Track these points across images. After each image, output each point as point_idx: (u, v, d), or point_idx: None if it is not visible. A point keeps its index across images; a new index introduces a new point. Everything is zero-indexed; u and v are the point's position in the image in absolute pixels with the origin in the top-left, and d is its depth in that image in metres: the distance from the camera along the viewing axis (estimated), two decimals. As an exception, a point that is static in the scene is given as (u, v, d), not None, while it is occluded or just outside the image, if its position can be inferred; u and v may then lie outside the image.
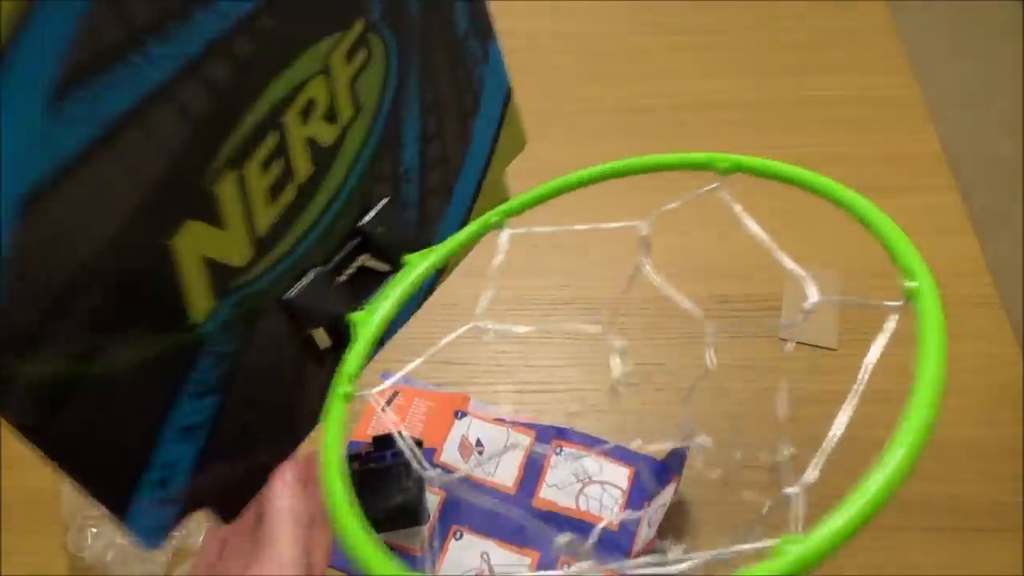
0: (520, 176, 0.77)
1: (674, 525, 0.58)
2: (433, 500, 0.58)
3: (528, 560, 0.56)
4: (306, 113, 0.32)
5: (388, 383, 0.32)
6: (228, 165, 0.30)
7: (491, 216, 0.36)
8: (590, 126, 0.79)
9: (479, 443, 0.61)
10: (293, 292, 0.34)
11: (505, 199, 0.43)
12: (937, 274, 0.76)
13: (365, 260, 0.37)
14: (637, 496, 0.59)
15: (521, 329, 0.33)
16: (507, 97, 0.42)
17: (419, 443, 0.58)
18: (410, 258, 0.36)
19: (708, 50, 0.84)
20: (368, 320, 0.33)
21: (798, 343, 0.66)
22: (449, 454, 0.61)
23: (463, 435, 0.62)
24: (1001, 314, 0.67)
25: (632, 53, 0.84)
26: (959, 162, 0.80)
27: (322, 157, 0.34)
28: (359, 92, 0.34)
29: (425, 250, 0.36)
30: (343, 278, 0.36)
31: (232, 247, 0.31)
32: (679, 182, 0.80)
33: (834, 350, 0.65)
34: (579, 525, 0.57)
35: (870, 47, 0.83)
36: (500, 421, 0.62)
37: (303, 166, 0.33)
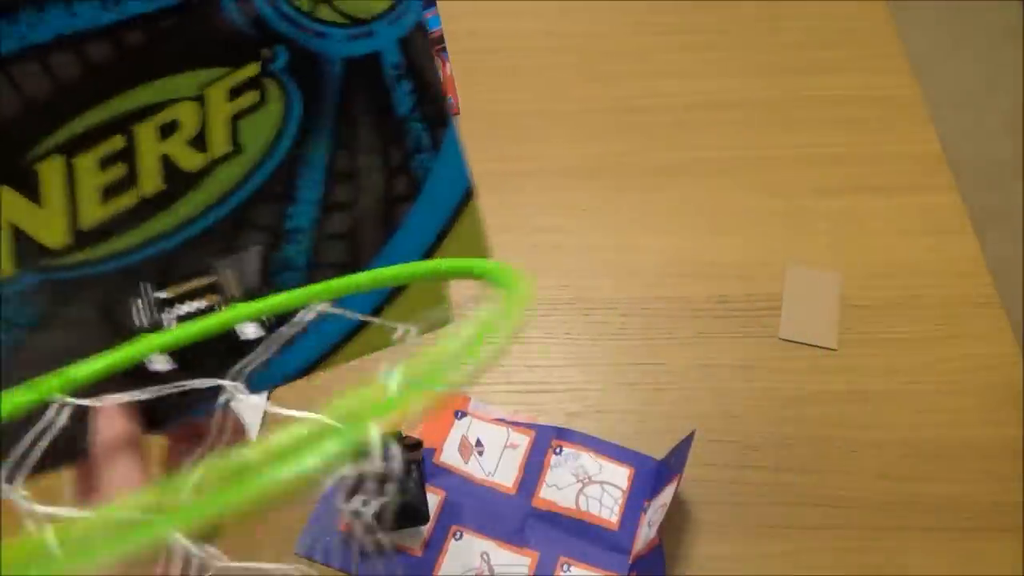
0: (521, 176, 0.78)
1: (674, 525, 0.58)
2: (433, 500, 0.58)
3: (528, 560, 0.56)
4: (166, 131, 0.33)
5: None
6: (57, 150, 0.32)
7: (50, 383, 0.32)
8: (590, 126, 0.79)
9: (479, 443, 0.61)
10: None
11: (445, 318, 0.42)
12: (937, 274, 0.76)
13: (209, 300, 0.36)
14: (637, 496, 0.59)
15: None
16: (465, 196, 0.41)
17: (419, 443, 0.58)
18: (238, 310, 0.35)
19: (708, 50, 0.84)
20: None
21: (798, 343, 0.66)
22: (449, 454, 0.61)
23: (463, 435, 0.62)
24: (1001, 314, 0.67)
25: (632, 53, 0.84)
26: (959, 162, 0.80)
27: (179, 180, 0.34)
28: (242, 132, 0.35)
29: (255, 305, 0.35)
30: (182, 308, 0.36)
31: (45, 227, 0.33)
32: (679, 182, 0.79)
33: (834, 350, 0.65)
34: (579, 525, 0.57)
35: (870, 47, 0.83)
36: (500, 421, 0.62)
37: (151, 180, 0.34)
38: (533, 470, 0.60)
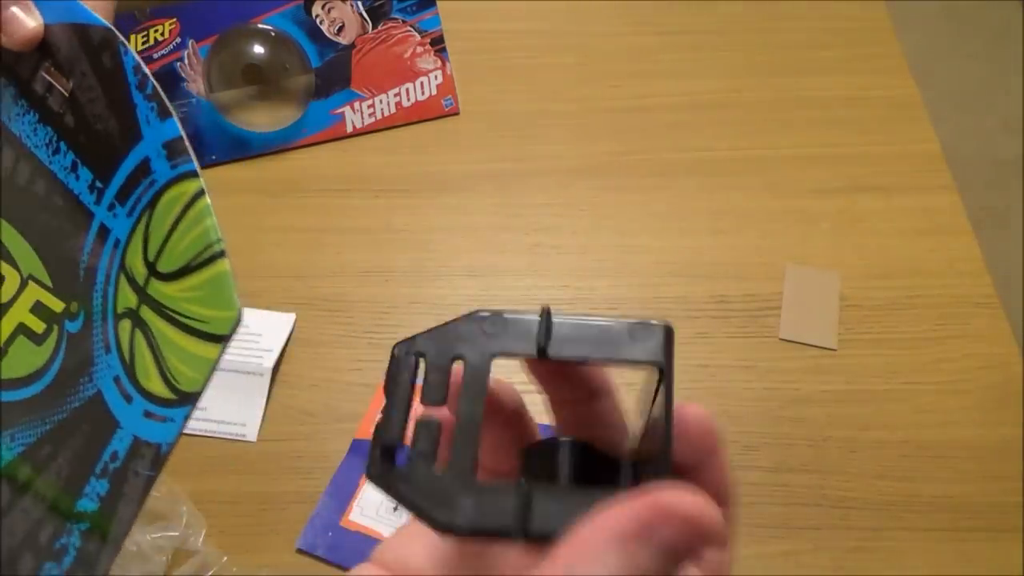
0: (521, 176, 0.78)
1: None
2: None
3: (528, 560, 0.56)
4: None
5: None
6: None
7: None
8: (590, 126, 0.79)
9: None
10: None
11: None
12: (937, 274, 0.77)
13: None
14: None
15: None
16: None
17: None
18: None
19: (707, 50, 0.84)
20: None
21: (798, 343, 0.66)
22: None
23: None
24: (1001, 314, 0.67)
25: (631, 53, 0.84)
26: (959, 162, 0.80)
27: None
28: None
29: None
30: None
31: None
32: (679, 182, 0.80)
33: (834, 350, 0.65)
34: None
35: (870, 47, 0.83)
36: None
37: None
38: (533, 470, 0.60)
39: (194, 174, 0.32)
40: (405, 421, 0.21)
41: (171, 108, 0.32)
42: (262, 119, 0.79)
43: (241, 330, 0.75)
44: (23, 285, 0.33)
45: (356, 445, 0.62)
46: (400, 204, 0.75)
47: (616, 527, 0.18)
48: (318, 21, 0.79)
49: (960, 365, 0.64)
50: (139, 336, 0.33)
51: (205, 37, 0.77)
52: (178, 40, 0.77)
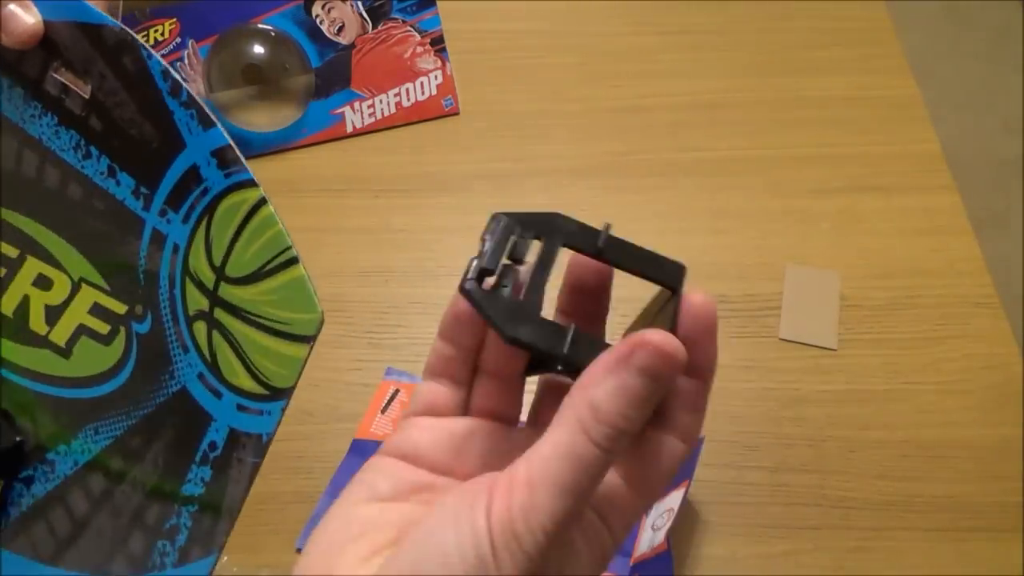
0: (521, 176, 0.78)
1: (675, 525, 0.58)
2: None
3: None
4: (38, 282, 0.34)
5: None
6: None
7: None
8: (590, 126, 0.79)
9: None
10: None
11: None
12: (937, 274, 0.76)
13: None
14: (637, 496, 0.58)
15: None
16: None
17: None
18: None
19: (708, 50, 0.84)
20: None
21: (798, 343, 0.66)
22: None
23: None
24: (1001, 314, 0.67)
25: (632, 53, 0.84)
26: (959, 162, 0.80)
27: (6, 324, 0.35)
28: (78, 346, 0.35)
29: None
30: None
31: None
32: (679, 182, 0.80)
33: (834, 350, 0.65)
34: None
35: (870, 47, 0.83)
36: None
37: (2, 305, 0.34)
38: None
39: (252, 183, 0.34)
40: (499, 260, 0.27)
41: (212, 116, 0.33)
42: (262, 119, 0.79)
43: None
44: (75, 288, 0.34)
45: (356, 445, 0.62)
46: (400, 204, 0.75)
47: (610, 359, 0.24)
48: (318, 21, 0.79)
49: (960, 365, 0.64)
50: (217, 337, 0.34)
51: (205, 37, 0.77)
52: (178, 40, 0.77)
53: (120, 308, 0.35)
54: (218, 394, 0.34)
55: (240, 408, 0.34)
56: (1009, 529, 0.57)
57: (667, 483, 0.27)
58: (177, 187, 0.34)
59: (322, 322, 0.33)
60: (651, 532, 0.55)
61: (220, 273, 0.34)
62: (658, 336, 0.24)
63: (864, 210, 0.73)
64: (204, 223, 0.34)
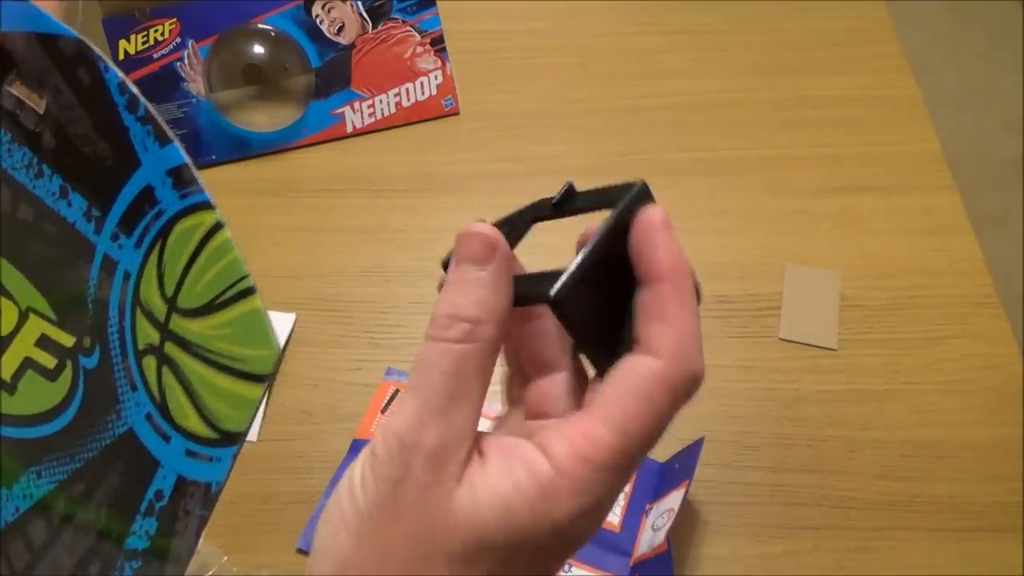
0: (521, 176, 0.78)
1: (675, 525, 0.58)
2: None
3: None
4: None
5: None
6: None
7: None
8: (590, 126, 0.79)
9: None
10: None
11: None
12: (937, 274, 0.77)
13: None
14: (639, 498, 0.59)
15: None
16: None
17: None
18: None
19: (708, 50, 0.84)
20: None
21: (798, 343, 0.66)
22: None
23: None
24: (1001, 314, 0.67)
25: (632, 53, 0.84)
26: (959, 162, 0.80)
27: None
28: (23, 383, 0.32)
29: None
30: None
31: None
32: (679, 182, 0.80)
33: (834, 350, 0.65)
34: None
35: (870, 47, 0.83)
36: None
37: None
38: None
39: (208, 205, 0.31)
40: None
41: (169, 132, 0.31)
42: (262, 119, 0.79)
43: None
44: (23, 318, 0.32)
45: (356, 445, 0.62)
46: (400, 204, 0.75)
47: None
48: (318, 21, 0.79)
49: (960, 365, 0.64)
50: (167, 374, 0.32)
51: (205, 37, 0.77)
52: (178, 40, 0.77)
53: (68, 340, 0.32)
54: (166, 437, 0.32)
55: (189, 453, 0.32)
56: (1009, 529, 0.57)
57: (645, 407, 0.24)
58: (130, 209, 0.32)
59: (280, 360, 0.30)
60: (651, 532, 0.55)
61: (172, 304, 0.32)
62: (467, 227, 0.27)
63: (864, 210, 0.73)
64: (157, 249, 0.32)
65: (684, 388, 0.26)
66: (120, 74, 0.31)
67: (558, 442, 0.24)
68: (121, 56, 0.76)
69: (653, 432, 0.25)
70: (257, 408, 0.31)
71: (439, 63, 0.81)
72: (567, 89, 0.82)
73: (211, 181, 0.87)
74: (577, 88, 0.82)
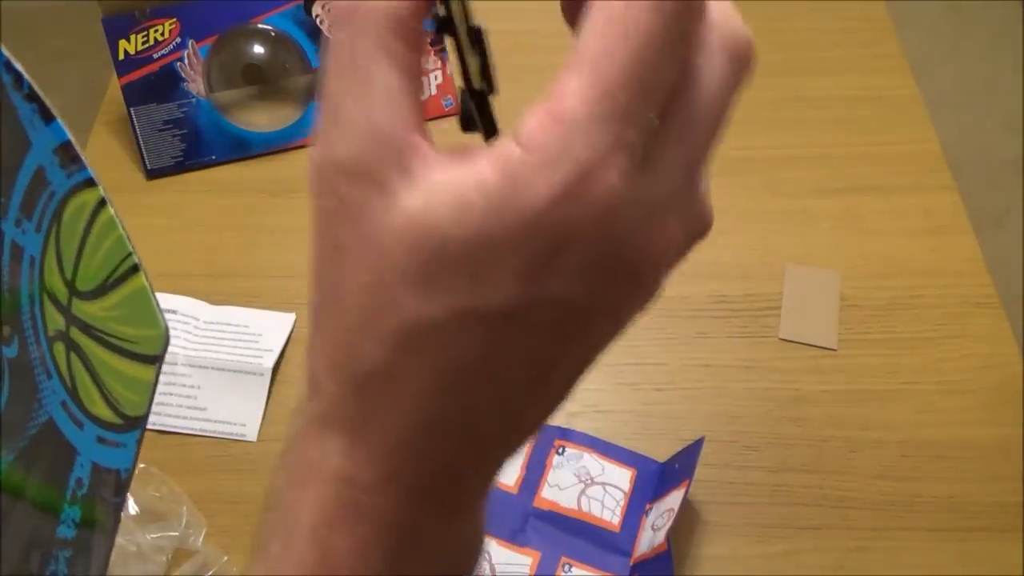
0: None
1: (675, 525, 0.58)
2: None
3: (529, 560, 0.56)
4: None
5: None
6: None
7: None
8: (590, 126, 0.79)
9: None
10: None
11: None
12: (937, 274, 0.77)
13: None
14: (638, 498, 0.59)
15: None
16: None
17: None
18: None
19: (708, 50, 0.84)
20: None
21: (798, 343, 0.66)
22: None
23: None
24: (1001, 314, 0.67)
25: (632, 53, 0.84)
26: (959, 162, 0.80)
27: None
28: None
29: None
30: None
31: None
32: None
33: (834, 350, 0.65)
34: (580, 526, 0.57)
35: (870, 47, 0.83)
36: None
37: None
38: (535, 470, 0.60)
39: (91, 182, 0.30)
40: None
41: (52, 109, 0.29)
42: (262, 119, 0.79)
43: (241, 330, 0.74)
44: None
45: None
46: (400, 204, 0.75)
47: None
48: (318, 21, 0.79)
49: (960, 365, 0.64)
50: (75, 360, 0.31)
51: (205, 37, 0.77)
52: (178, 40, 0.77)
53: None
54: (80, 424, 0.31)
55: (100, 440, 0.31)
56: (1009, 529, 0.57)
57: (620, 31, 0.18)
58: (28, 192, 0.30)
59: (167, 340, 0.28)
60: (651, 532, 0.55)
61: (72, 287, 0.30)
62: None
63: (864, 210, 0.73)
64: (54, 230, 0.30)
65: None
66: (5, 52, 0.29)
67: (528, 120, 0.19)
68: (121, 56, 0.76)
69: (641, 65, 0.18)
70: (153, 390, 0.29)
71: (439, 63, 0.81)
72: (567, 89, 0.82)
73: (211, 181, 0.88)
74: (577, 88, 0.82)
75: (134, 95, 0.76)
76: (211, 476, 0.61)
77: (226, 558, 0.57)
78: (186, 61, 0.77)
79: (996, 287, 0.68)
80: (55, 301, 0.31)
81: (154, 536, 0.56)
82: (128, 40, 0.76)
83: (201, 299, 0.69)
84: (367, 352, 0.19)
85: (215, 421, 0.63)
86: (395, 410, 0.20)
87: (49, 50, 1.81)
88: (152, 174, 0.77)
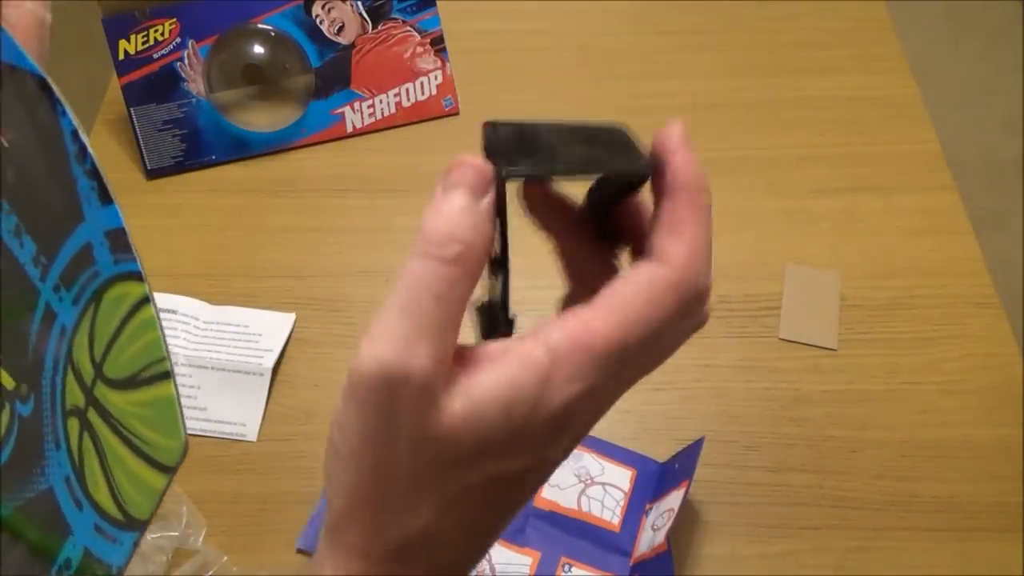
0: (520, 176, 0.78)
1: (675, 525, 0.58)
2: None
3: (529, 560, 0.56)
4: None
5: None
6: None
7: None
8: (590, 126, 0.79)
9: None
10: None
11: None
12: (937, 274, 0.77)
13: None
14: (638, 498, 0.59)
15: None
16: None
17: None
18: None
19: (708, 50, 0.84)
20: None
21: (798, 343, 0.66)
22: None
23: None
24: (1001, 314, 0.67)
25: (632, 53, 0.84)
26: (959, 162, 0.80)
27: None
28: None
29: None
30: None
31: None
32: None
33: (834, 350, 0.65)
34: (580, 526, 0.57)
35: (869, 47, 0.83)
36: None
37: None
38: (533, 470, 0.60)
39: (138, 276, 0.30)
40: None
41: (111, 192, 0.29)
42: (262, 119, 0.79)
43: (241, 330, 0.74)
44: None
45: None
46: (400, 204, 0.75)
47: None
48: (318, 21, 0.79)
49: (960, 365, 0.64)
50: (87, 441, 0.30)
51: (205, 37, 0.77)
52: (178, 40, 0.77)
53: (9, 383, 0.30)
54: (79, 505, 0.30)
55: (97, 529, 0.30)
56: (1009, 529, 0.57)
57: (647, 309, 0.25)
58: (72, 263, 0.30)
59: (185, 453, 0.29)
60: (651, 532, 0.55)
61: (99, 370, 0.30)
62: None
63: (864, 210, 0.73)
64: (92, 309, 0.30)
65: (690, 299, 0.26)
66: (75, 121, 0.29)
67: (556, 332, 0.24)
68: (121, 56, 0.76)
69: (652, 336, 0.25)
70: (160, 498, 0.29)
71: (439, 63, 0.81)
72: (567, 89, 0.82)
73: (211, 181, 0.88)
74: (577, 88, 0.82)
75: (134, 95, 0.77)
76: (211, 476, 0.61)
77: (226, 558, 0.57)
78: (186, 61, 0.77)
79: (996, 287, 0.68)
80: (79, 377, 0.30)
81: (154, 536, 0.56)
82: (128, 40, 0.76)
83: (201, 299, 0.69)
84: (412, 519, 0.24)
85: (215, 421, 0.63)
86: (427, 561, 0.26)
87: (49, 50, 1.80)
88: (152, 174, 0.77)
